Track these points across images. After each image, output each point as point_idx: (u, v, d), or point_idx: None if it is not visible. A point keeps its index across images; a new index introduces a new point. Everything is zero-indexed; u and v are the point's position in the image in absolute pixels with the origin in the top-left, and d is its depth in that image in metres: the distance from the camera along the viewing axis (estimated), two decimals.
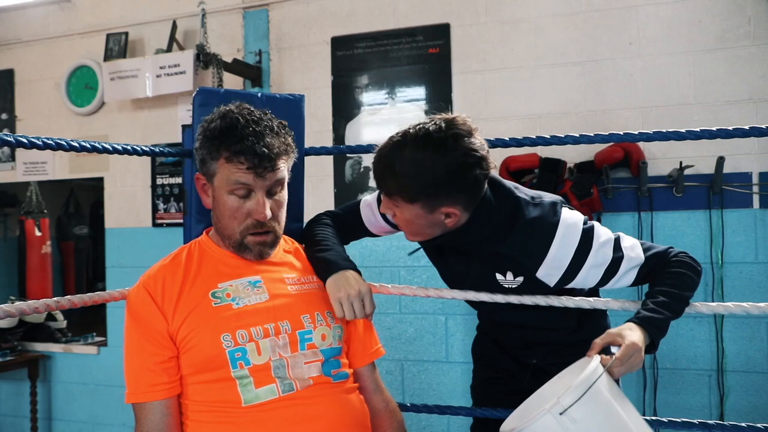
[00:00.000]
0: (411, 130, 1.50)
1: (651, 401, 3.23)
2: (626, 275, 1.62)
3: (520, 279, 1.65)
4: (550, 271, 1.60)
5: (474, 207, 1.56)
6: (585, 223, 1.61)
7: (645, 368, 3.23)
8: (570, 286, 1.66)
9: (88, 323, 4.71)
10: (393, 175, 1.50)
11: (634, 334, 1.43)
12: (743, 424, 1.71)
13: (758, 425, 1.71)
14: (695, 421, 1.71)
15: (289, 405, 1.39)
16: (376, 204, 1.83)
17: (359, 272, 1.61)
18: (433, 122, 1.49)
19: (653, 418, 1.79)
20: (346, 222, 1.87)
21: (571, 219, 1.61)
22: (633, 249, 1.61)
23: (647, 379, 3.24)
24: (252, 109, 1.50)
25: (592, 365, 1.30)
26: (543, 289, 1.66)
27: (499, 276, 1.67)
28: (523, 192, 1.66)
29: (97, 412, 4.23)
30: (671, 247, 1.64)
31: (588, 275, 1.61)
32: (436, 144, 1.46)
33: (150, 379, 1.39)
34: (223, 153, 1.44)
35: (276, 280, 1.53)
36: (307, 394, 1.41)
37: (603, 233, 1.61)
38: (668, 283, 1.56)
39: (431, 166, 1.46)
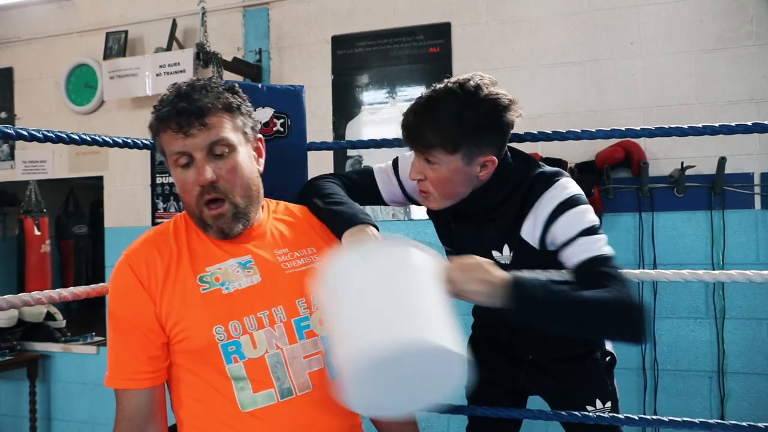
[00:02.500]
0: (440, 87, 1.53)
1: (651, 403, 3.22)
2: (580, 254, 1.51)
3: (513, 253, 1.64)
4: (532, 226, 1.58)
5: (500, 161, 1.59)
6: (580, 193, 1.58)
7: (645, 369, 3.22)
8: (546, 242, 1.59)
9: (88, 323, 4.70)
10: (435, 125, 1.50)
11: (497, 270, 1.34)
12: (744, 424, 1.70)
13: (759, 425, 1.70)
14: (696, 420, 1.70)
15: (287, 412, 1.34)
16: (392, 171, 1.79)
17: (378, 228, 1.51)
18: (458, 77, 1.54)
19: (654, 417, 1.77)
20: (357, 184, 1.79)
21: (569, 184, 1.59)
22: (600, 241, 1.52)
23: (648, 380, 3.23)
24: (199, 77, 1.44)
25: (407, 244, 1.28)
26: (534, 258, 1.62)
27: (495, 253, 1.66)
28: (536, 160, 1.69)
29: (96, 411, 4.22)
30: (622, 278, 1.49)
31: (560, 232, 1.54)
32: (469, 92, 1.50)
33: (135, 366, 1.35)
34: (159, 127, 1.37)
35: (268, 259, 1.44)
36: (304, 400, 1.36)
37: (590, 210, 1.56)
38: (586, 290, 1.41)
39: (471, 113, 1.49)
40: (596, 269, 1.48)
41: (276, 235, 1.50)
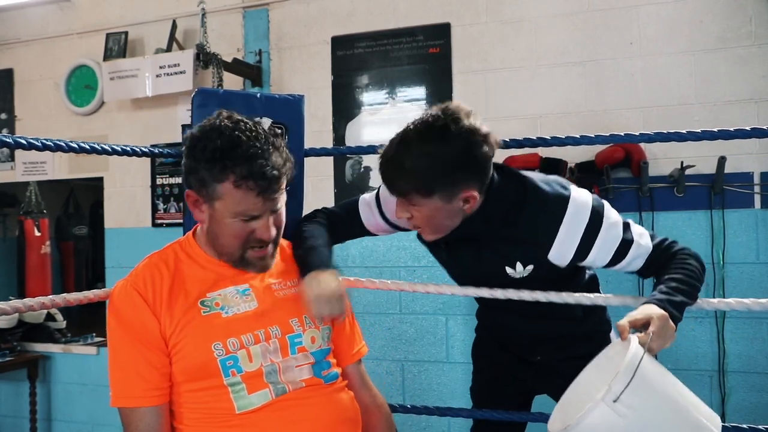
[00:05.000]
0: (410, 127, 1.51)
1: None
2: (634, 261, 1.62)
3: (530, 267, 1.65)
4: (561, 250, 1.60)
5: (486, 188, 1.57)
6: (594, 201, 1.61)
7: None
8: (582, 264, 1.66)
9: (88, 324, 4.70)
10: (405, 174, 1.50)
11: (658, 310, 1.41)
12: (744, 426, 1.71)
13: (759, 427, 1.70)
14: None
15: (283, 408, 1.39)
16: (374, 203, 1.82)
17: (338, 272, 1.59)
18: (429, 114, 1.51)
19: None
20: (344, 220, 1.86)
21: (582, 196, 1.61)
22: (642, 236, 1.62)
23: None
24: (245, 120, 1.43)
25: (632, 346, 1.25)
26: (554, 271, 1.65)
27: (509, 269, 1.66)
28: (530, 173, 1.67)
29: (96, 412, 4.22)
30: (675, 241, 1.65)
31: (598, 255, 1.60)
32: (439, 132, 1.47)
33: (147, 383, 1.37)
34: (230, 177, 1.35)
35: (264, 286, 1.52)
36: (299, 395, 1.42)
37: (613, 214, 1.61)
38: (678, 271, 1.55)
39: (441, 154, 1.46)
40: (658, 261, 1.61)
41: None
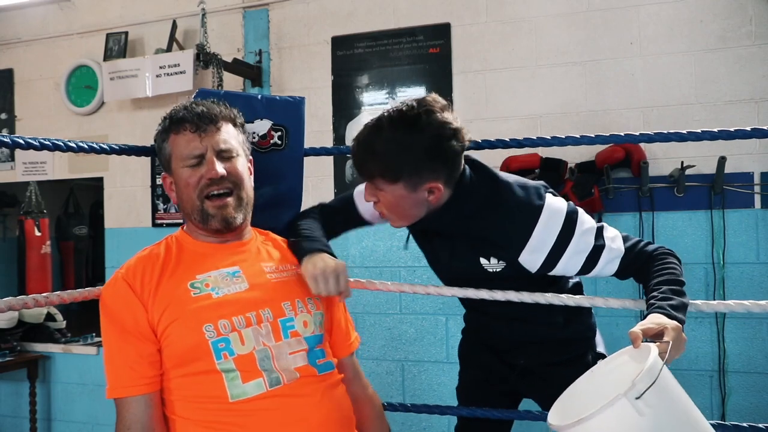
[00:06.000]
0: (385, 114, 1.56)
1: None
2: (608, 265, 1.61)
3: (503, 263, 1.66)
4: (531, 256, 1.61)
5: (454, 182, 1.60)
6: (569, 208, 1.62)
7: None
8: (551, 273, 1.65)
9: (88, 324, 4.69)
10: (374, 157, 1.54)
11: (670, 320, 1.38)
12: (745, 425, 1.71)
13: (760, 425, 1.70)
14: None
15: (278, 403, 1.38)
16: None
17: (334, 255, 1.61)
18: (404, 104, 1.55)
19: None
20: (340, 212, 1.87)
21: (555, 204, 1.62)
22: (614, 240, 1.61)
23: None
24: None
25: (653, 352, 1.25)
26: (525, 274, 1.66)
27: (483, 260, 1.67)
28: (506, 175, 1.68)
29: (96, 412, 4.22)
30: (650, 242, 1.64)
31: (569, 263, 1.61)
32: (411, 121, 1.51)
33: (132, 373, 1.38)
34: (172, 129, 1.52)
35: (254, 269, 1.54)
36: (294, 389, 1.41)
37: (586, 220, 1.62)
38: (664, 273, 1.54)
39: (410, 143, 1.51)
40: (634, 264, 1.60)
41: (262, 252, 1.60)
